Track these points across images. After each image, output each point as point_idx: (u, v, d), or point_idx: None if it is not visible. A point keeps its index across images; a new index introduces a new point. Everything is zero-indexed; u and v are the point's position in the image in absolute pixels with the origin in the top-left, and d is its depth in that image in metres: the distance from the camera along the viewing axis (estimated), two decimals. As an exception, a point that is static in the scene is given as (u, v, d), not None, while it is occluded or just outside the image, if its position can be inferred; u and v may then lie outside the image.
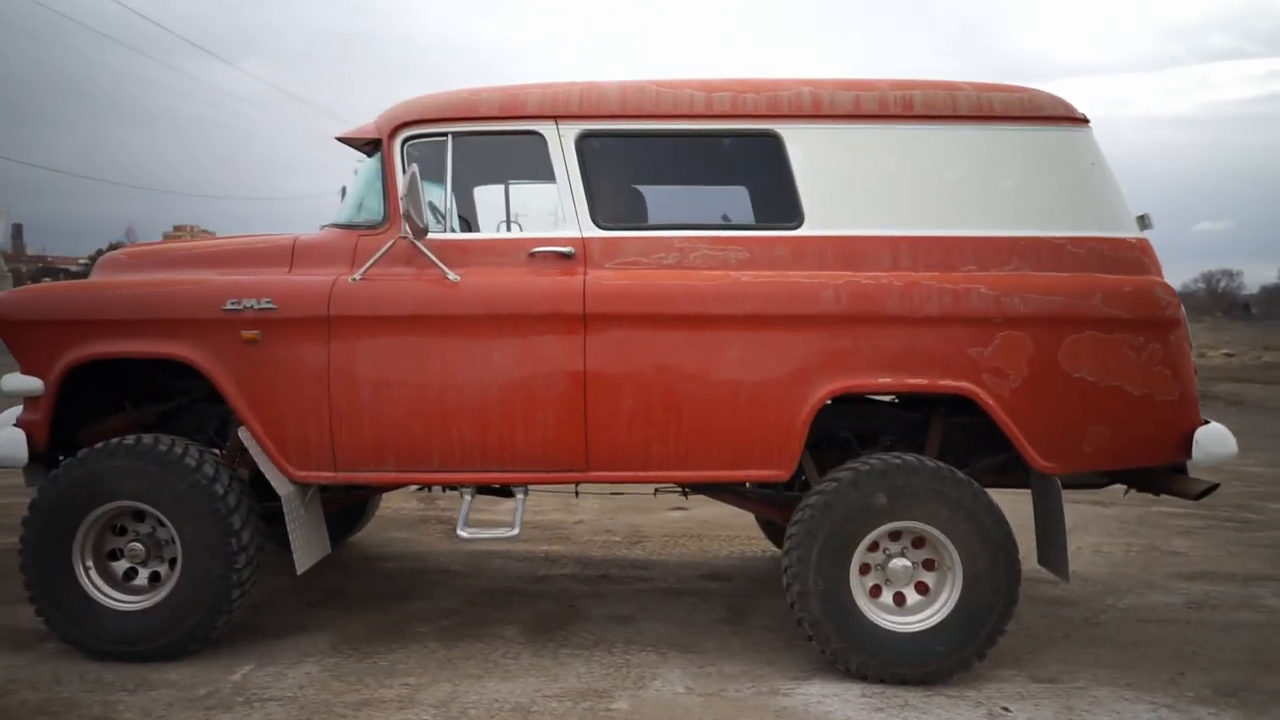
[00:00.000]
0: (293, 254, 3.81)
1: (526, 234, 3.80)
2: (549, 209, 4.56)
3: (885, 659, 3.53)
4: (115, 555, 3.74)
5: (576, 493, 4.68)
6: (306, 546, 3.78)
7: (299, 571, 3.75)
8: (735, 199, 4.26)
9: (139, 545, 3.68)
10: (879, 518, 3.53)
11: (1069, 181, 3.70)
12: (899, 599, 3.64)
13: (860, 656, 3.54)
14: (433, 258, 3.63)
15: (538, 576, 4.91)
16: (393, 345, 3.61)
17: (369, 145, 4.20)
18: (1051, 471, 3.58)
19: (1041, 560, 3.81)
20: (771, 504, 4.15)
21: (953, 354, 3.54)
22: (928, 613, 3.58)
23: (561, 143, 3.75)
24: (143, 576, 3.73)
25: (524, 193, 4.65)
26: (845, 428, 3.99)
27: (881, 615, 3.58)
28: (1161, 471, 3.80)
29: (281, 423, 3.65)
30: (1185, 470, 3.82)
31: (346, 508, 4.84)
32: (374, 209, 3.90)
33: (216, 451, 3.95)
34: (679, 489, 4.33)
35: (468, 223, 4.33)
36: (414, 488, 4.74)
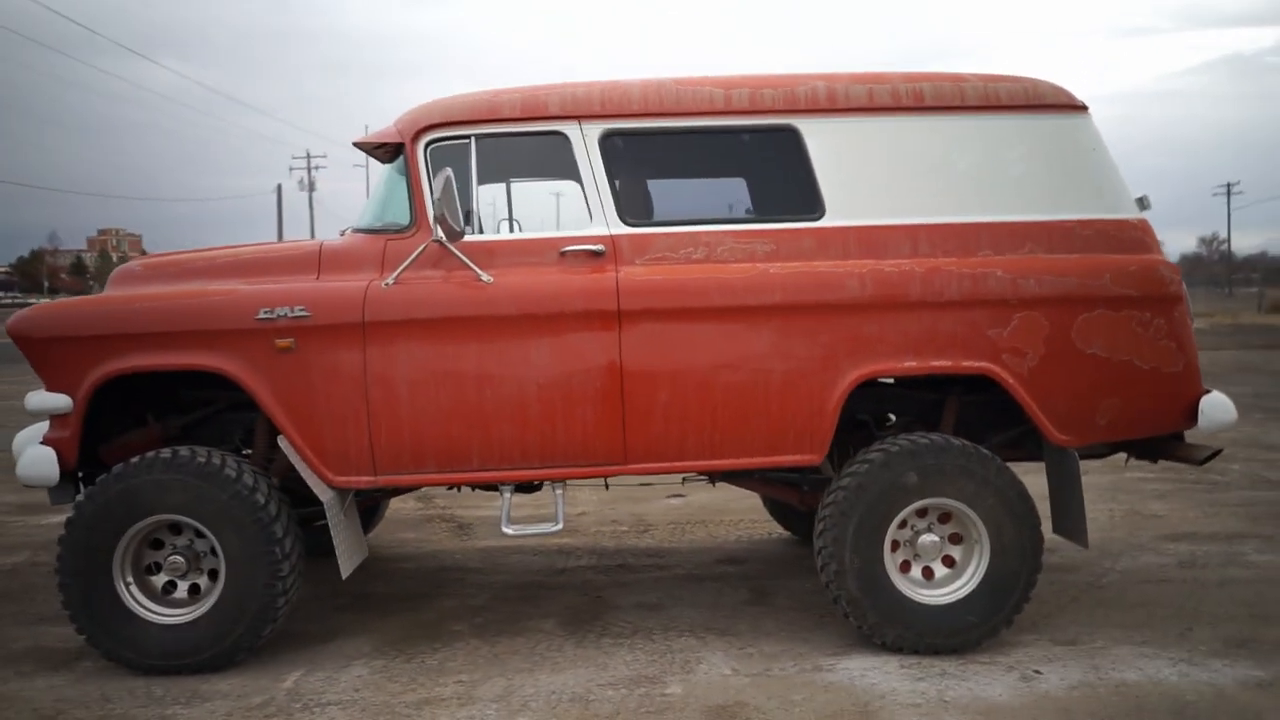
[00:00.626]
0: (319, 260, 3.81)
1: (556, 233, 3.84)
2: (550, 207, 4.64)
3: (920, 631, 3.69)
4: (152, 569, 3.72)
5: (606, 484, 4.75)
6: (348, 550, 3.80)
7: (344, 576, 3.77)
8: (737, 190, 4.37)
9: (179, 558, 3.67)
10: (910, 496, 3.67)
11: (1073, 166, 3.88)
12: (927, 573, 3.79)
13: (896, 630, 3.69)
14: (466, 260, 3.66)
15: (557, 569, 4.98)
16: (429, 348, 3.65)
17: (380, 150, 4.21)
18: (1068, 444, 3.77)
19: (1057, 529, 3.99)
20: (795, 488, 4.27)
21: (973, 336, 3.69)
22: (957, 584, 3.74)
23: (585, 142, 3.81)
24: (182, 589, 3.71)
25: (525, 192, 4.71)
26: (864, 410, 4.12)
27: (913, 589, 3.73)
28: (1165, 440, 4.02)
29: (319, 429, 3.66)
30: (1183, 438, 4.05)
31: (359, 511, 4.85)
32: (399, 213, 3.92)
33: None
34: (703, 477, 4.43)
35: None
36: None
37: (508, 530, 3.78)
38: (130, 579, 3.65)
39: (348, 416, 3.65)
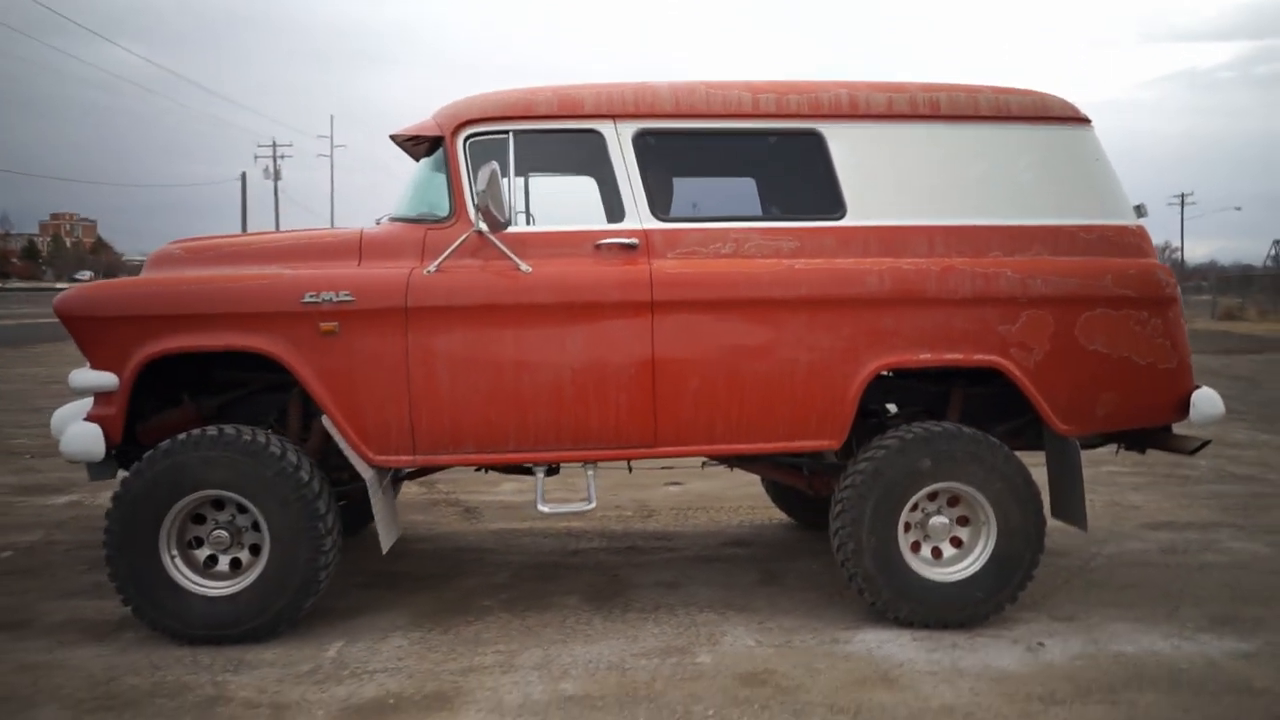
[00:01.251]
0: (361, 247, 3.95)
1: (591, 226, 4.01)
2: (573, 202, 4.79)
3: (931, 606, 3.92)
4: (194, 544, 3.83)
5: (630, 468, 4.92)
6: (387, 527, 3.95)
7: (384, 551, 3.92)
8: (762, 189, 4.53)
9: (223, 533, 3.78)
10: (924, 480, 3.90)
11: (1078, 175, 4.13)
12: (936, 553, 4.02)
13: (909, 605, 3.91)
14: (506, 250, 3.82)
15: (570, 550, 5.15)
16: (470, 333, 3.80)
17: (412, 143, 4.35)
18: (1069, 434, 4.02)
19: (1056, 514, 4.24)
20: (803, 473, 4.48)
21: (984, 331, 3.92)
22: (965, 563, 3.98)
23: (620, 140, 3.98)
24: (223, 563, 3.83)
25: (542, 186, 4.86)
26: (873, 400, 4.34)
27: (925, 567, 3.96)
28: (1154, 431, 4.28)
29: (361, 410, 3.80)
30: (1170, 430, 4.32)
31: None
32: (436, 204, 4.07)
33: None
34: (716, 460, 4.60)
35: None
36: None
37: (544, 508, 3.95)
38: (175, 552, 3.76)
39: (389, 398, 3.80)
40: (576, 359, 3.82)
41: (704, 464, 5.00)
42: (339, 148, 68.19)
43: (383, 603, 4.28)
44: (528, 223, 4.70)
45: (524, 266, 3.82)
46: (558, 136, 4.05)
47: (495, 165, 3.65)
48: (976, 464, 3.90)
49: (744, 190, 4.40)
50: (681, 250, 3.92)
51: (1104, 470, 7.07)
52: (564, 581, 4.59)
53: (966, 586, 3.94)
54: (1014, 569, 3.94)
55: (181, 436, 3.73)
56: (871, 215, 4.00)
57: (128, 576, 3.70)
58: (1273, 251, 53.73)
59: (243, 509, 3.80)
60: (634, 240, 3.90)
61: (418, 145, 4.51)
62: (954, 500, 4.01)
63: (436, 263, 3.82)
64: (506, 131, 3.96)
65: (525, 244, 3.89)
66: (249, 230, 45.95)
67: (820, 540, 5.30)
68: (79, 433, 3.76)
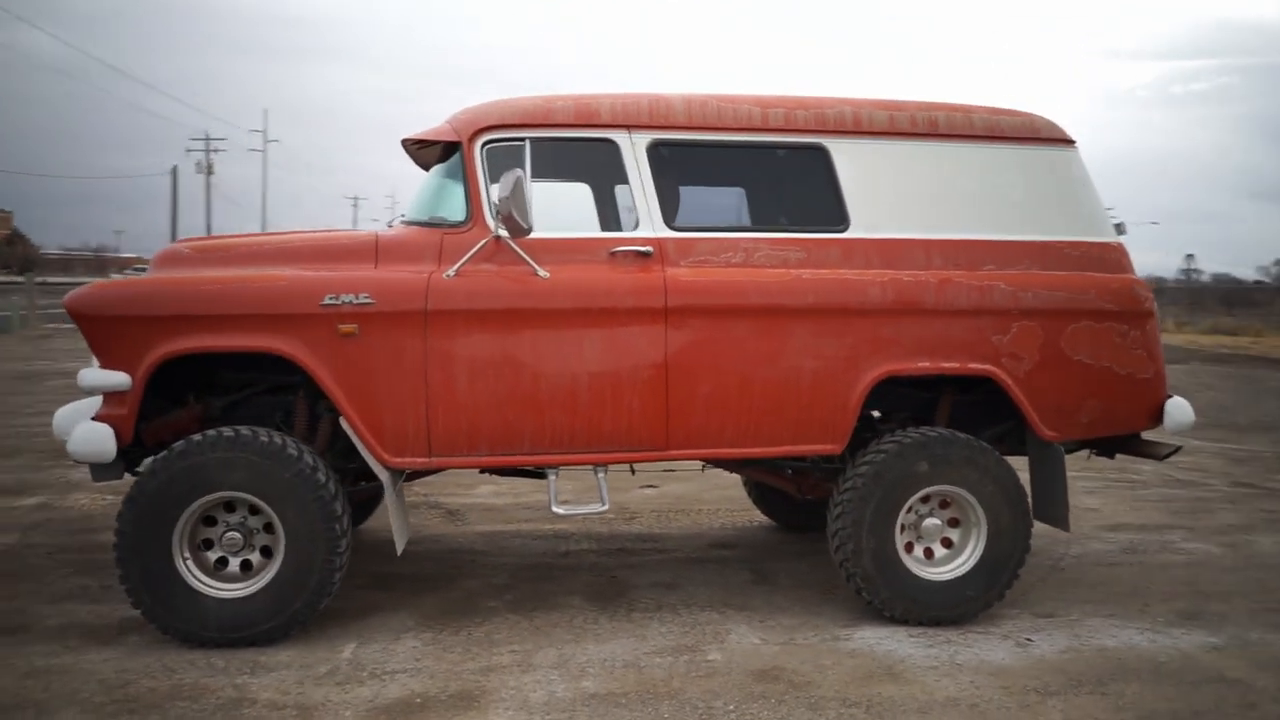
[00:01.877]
0: (377, 250, 3.97)
1: (606, 234, 4.10)
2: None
3: (925, 604, 4.09)
4: (204, 545, 3.81)
5: (632, 470, 5.00)
6: (401, 528, 3.98)
7: (399, 552, 3.95)
8: (767, 199, 4.63)
9: (236, 534, 3.77)
10: (921, 482, 4.08)
11: (1064, 193, 4.36)
12: (928, 553, 4.21)
13: (904, 603, 4.08)
14: (525, 256, 3.88)
15: (561, 553, 5.22)
16: (488, 337, 3.85)
17: (423, 148, 4.39)
18: (1054, 440, 4.24)
19: (1039, 515, 4.45)
20: (790, 477, 4.63)
21: (979, 341, 4.12)
22: (956, 563, 4.17)
23: (634, 150, 4.08)
24: (234, 565, 3.81)
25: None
26: (871, 406, 4.50)
27: (919, 567, 4.14)
28: (1128, 437, 4.53)
29: (378, 411, 3.82)
30: (1140, 436, 4.58)
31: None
32: (448, 209, 4.11)
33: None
34: (717, 464, 4.71)
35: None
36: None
37: (558, 510, 4.01)
38: (188, 554, 3.74)
39: (406, 400, 3.83)
40: (592, 363, 3.90)
41: (704, 467, 5.12)
42: (273, 143, 66.62)
43: (387, 604, 4.30)
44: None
45: (542, 272, 3.89)
46: (573, 145, 4.13)
47: (520, 172, 3.71)
48: (970, 468, 4.09)
49: (746, 200, 4.51)
50: (694, 259, 4.03)
51: (1057, 474, 7.37)
52: (563, 582, 4.66)
53: (959, 585, 4.13)
54: (1003, 568, 4.14)
55: (197, 437, 3.70)
56: (873, 228, 4.17)
57: (140, 579, 3.66)
58: (1185, 265, 56.12)
59: (254, 511, 3.79)
60: (648, 248, 4.00)
61: (421, 150, 4.55)
62: (945, 503, 4.20)
63: (456, 267, 3.86)
64: (523, 139, 4.03)
65: (542, 250, 3.95)
66: (178, 226, 44.77)
67: (803, 541, 5.49)
68: (89, 433, 3.71)
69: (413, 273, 3.88)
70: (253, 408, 4.27)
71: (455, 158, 4.13)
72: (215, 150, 45.64)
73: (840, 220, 4.16)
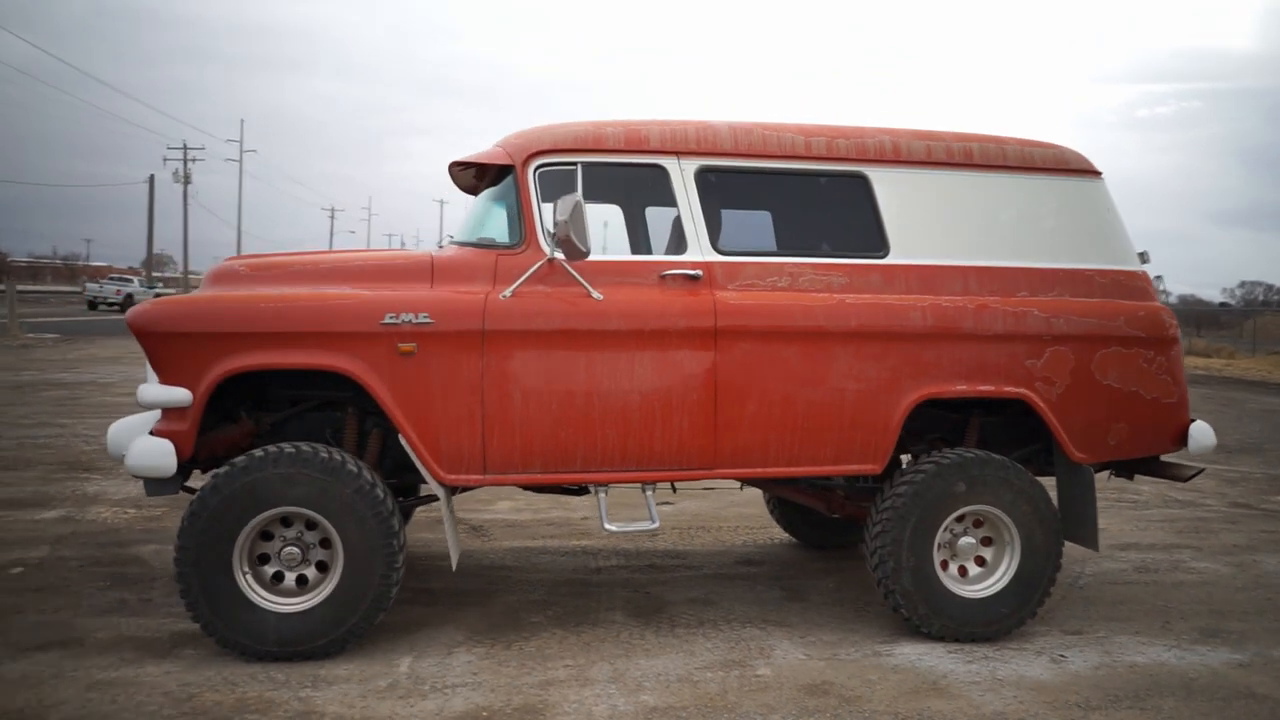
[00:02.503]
0: (432, 271, 4.05)
1: (656, 257, 4.21)
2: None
3: (961, 621, 4.21)
4: (261, 560, 3.85)
5: (674, 488, 5.08)
6: (454, 543, 4.04)
7: (454, 567, 4.02)
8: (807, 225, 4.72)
9: (295, 549, 3.82)
10: (958, 502, 4.20)
11: (1092, 223, 4.52)
12: (962, 571, 4.33)
13: (942, 620, 4.20)
14: (579, 278, 3.98)
15: (593, 569, 5.29)
16: (543, 357, 3.94)
17: (460, 168, 4.49)
18: (1084, 461, 4.38)
19: (1068, 535, 4.58)
20: (826, 496, 4.75)
21: (1013, 365, 4.26)
22: (990, 581, 4.29)
23: (683, 176, 4.19)
24: (289, 579, 3.86)
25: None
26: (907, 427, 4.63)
27: (956, 585, 4.25)
28: (1148, 459, 4.69)
29: (435, 429, 3.89)
30: (1159, 458, 4.73)
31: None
32: (498, 230, 4.21)
33: None
34: (754, 483, 4.81)
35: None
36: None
37: (611, 528, 4.08)
38: (248, 569, 3.78)
39: (463, 418, 3.90)
40: (644, 383, 4.00)
41: (742, 486, 5.21)
42: (249, 153, 66.27)
43: (432, 619, 4.35)
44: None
45: (596, 294, 3.98)
46: (624, 170, 4.23)
47: (579, 197, 3.80)
48: (1006, 488, 4.22)
49: (788, 226, 4.61)
50: (741, 282, 4.14)
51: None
52: (600, 598, 4.73)
53: (993, 603, 4.25)
54: (1035, 586, 4.27)
55: (259, 453, 3.75)
56: (912, 254, 4.30)
57: (201, 593, 3.70)
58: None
59: (310, 526, 3.84)
60: (697, 272, 4.11)
61: (464, 173, 4.64)
62: (978, 522, 4.32)
63: (512, 288, 3.95)
64: (575, 164, 4.13)
65: (594, 272, 4.04)
66: (153, 234, 44.32)
67: (826, 559, 5.60)
68: (149, 448, 3.74)
69: (469, 293, 3.96)
70: (302, 424, 4.32)
71: (508, 181, 4.22)
72: (193, 160, 45.31)
73: (880, 246, 4.30)
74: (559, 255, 3.94)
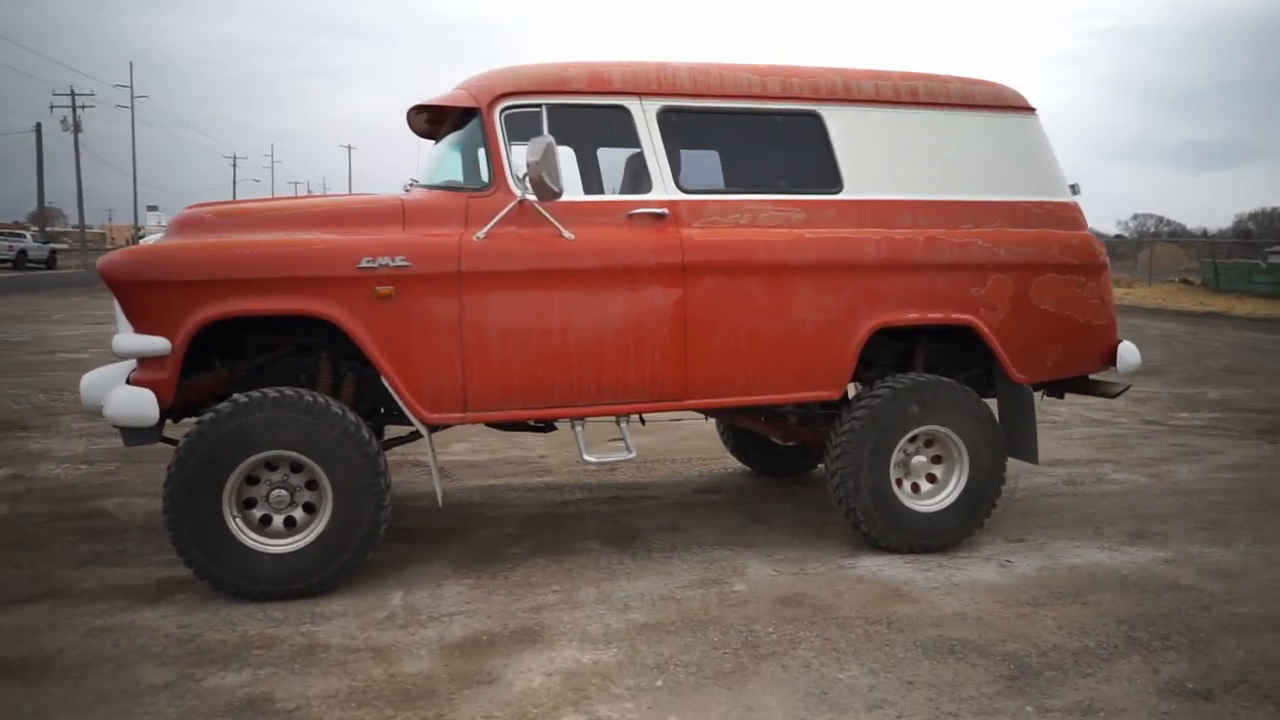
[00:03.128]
0: (403, 214, 4.09)
1: (623, 197, 4.32)
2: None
3: (916, 534, 4.52)
4: (248, 504, 3.91)
5: (642, 420, 5.23)
6: (438, 481, 4.15)
7: (439, 502, 4.14)
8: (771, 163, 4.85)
9: (282, 492, 3.89)
10: (912, 423, 4.48)
11: (1028, 157, 4.78)
12: (914, 488, 4.62)
13: (899, 534, 4.50)
14: (550, 218, 4.07)
15: (559, 502, 5.46)
16: (519, 296, 4.04)
17: (418, 113, 4.52)
18: (1024, 382, 4.70)
19: (1010, 451, 4.91)
20: (783, 423, 5.00)
21: (960, 293, 4.52)
22: (941, 496, 4.60)
23: (645, 116, 4.30)
24: (277, 522, 3.93)
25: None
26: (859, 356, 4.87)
27: (911, 500, 4.55)
28: (1080, 379, 5.04)
29: (416, 370, 3.98)
30: (1087, 377, 5.09)
31: None
32: (472, 173, 4.27)
33: None
34: (712, 412, 5.03)
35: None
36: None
37: (590, 458, 4.24)
38: (237, 513, 3.84)
39: (442, 359, 3.99)
40: (616, 319, 4.14)
41: (706, 416, 5.41)
42: (141, 99, 63.21)
43: (415, 556, 4.47)
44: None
45: (567, 234, 4.09)
46: (588, 111, 4.31)
47: (550, 138, 3.88)
48: (955, 409, 4.51)
49: (748, 164, 4.74)
50: (705, 220, 4.29)
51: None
52: (573, 529, 4.91)
53: (945, 516, 4.56)
54: (983, 500, 4.60)
55: (243, 398, 3.79)
56: (864, 190, 4.51)
57: (192, 539, 3.75)
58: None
59: (296, 468, 3.91)
60: (663, 210, 4.24)
61: (418, 116, 4.67)
62: (929, 441, 4.62)
63: (486, 229, 4.02)
64: (540, 105, 4.19)
65: (563, 213, 4.14)
66: (43, 186, 42.16)
67: (780, 485, 5.88)
68: (129, 397, 3.75)
69: (443, 235, 4.02)
70: (274, 370, 4.35)
71: (473, 124, 4.26)
72: (82, 107, 43.04)
73: (835, 183, 4.49)
74: (530, 197, 4.02)
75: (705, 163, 4.93)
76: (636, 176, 4.58)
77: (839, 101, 4.52)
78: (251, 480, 3.91)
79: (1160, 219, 69.64)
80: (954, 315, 4.53)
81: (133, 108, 51.37)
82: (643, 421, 5.25)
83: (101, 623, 3.65)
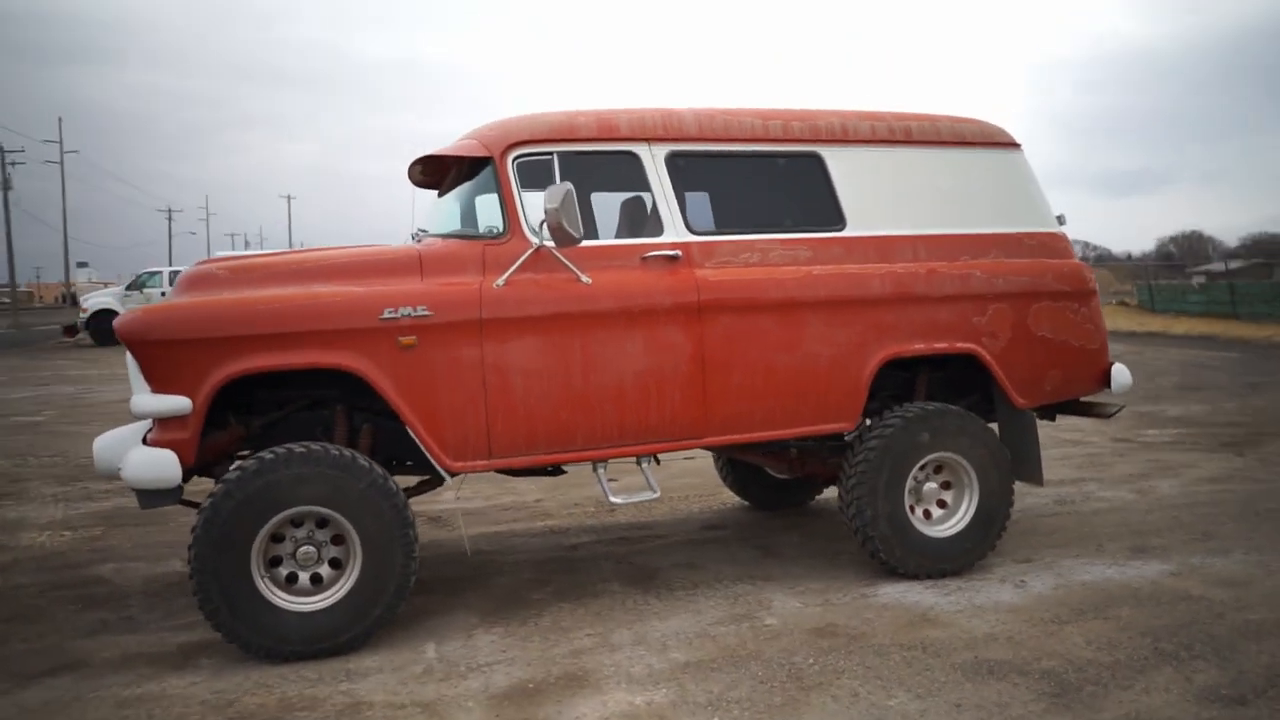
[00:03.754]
0: (421, 264, 4.10)
1: (636, 240, 4.37)
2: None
3: (933, 559, 4.60)
4: (274, 562, 3.84)
5: (657, 460, 5.23)
6: (466, 534, 4.11)
7: (468, 553, 4.09)
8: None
9: (310, 548, 3.83)
10: (923, 450, 4.57)
11: (1017, 190, 4.97)
12: (926, 514, 4.72)
13: (916, 560, 4.57)
14: (568, 263, 4.12)
15: (569, 545, 5.44)
16: (540, 341, 4.06)
17: (420, 167, 4.56)
18: (1025, 407, 4.84)
19: (1017, 475, 5.03)
20: (787, 457, 5.07)
21: (962, 323, 4.66)
22: (953, 521, 4.69)
23: (654, 161, 4.38)
24: (304, 579, 3.86)
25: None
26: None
27: (925, 527, 4.63)
28: (1072, 401, 5.20)
29: (440, 419, 3.96)
30: (1080, 399, 5.26)
31: None
32: (486, 221, 4.30)
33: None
34: (728, 450, 5.07)
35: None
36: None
37: (616, 500, 4.25)
38: (264, 571, 3.77)
39: (466, 406, 3.99)
40: (637, 360, 4.18)
41: (715, 455, 5.44)
42: (71, 154, 61.90)
43: (438, 607, 4.41)
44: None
45: (584, 278, 4.13)
46: (598, 157, 4.38)
47: (569, 185, 3.93)
48: (964, 435, 4.62)
49: (756, 205, 4.85)
50: (717, 260, 4.37)
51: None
52: (591, 572, 4.90)
53: (957, 540, 4.65)
54: (994, 522, 4.70)
55: (269, 455, 3.74)
56: (866, 226, 4.63)
57: (220, 600, 3.67)
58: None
59: (321, 524, 3.86)
60: (676, 252, 4.31)
61: (418, 170, 4.72)
62: (938, 468, 4.72)
63: (505, 276, 4.04)
64: (551, 153, 4.25)
65: (580, 258, 4.18)
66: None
67: (781, 518, 5.94)
68: (149, 458, 3.67)
69: (462, 284, 4.03)
70: (288, 425, 4.30)
71: (486, 173, 4.30)
72: (12, 164, 41.93)
73: (838, 220, 4.61)
74: (548, 243, 4.06)
75: (713, 204, 5.03)
76: (634, 219, 4.66)
77: (838, 142, 4.66)
78: (276, 538, 3.84)
79: (1087, 244, 72.01)
80: (958, 344, 4.66)
81: (62, 163, 50.32)
82: (657, 461, 5.26)
83: (130, 693, 3.54)
